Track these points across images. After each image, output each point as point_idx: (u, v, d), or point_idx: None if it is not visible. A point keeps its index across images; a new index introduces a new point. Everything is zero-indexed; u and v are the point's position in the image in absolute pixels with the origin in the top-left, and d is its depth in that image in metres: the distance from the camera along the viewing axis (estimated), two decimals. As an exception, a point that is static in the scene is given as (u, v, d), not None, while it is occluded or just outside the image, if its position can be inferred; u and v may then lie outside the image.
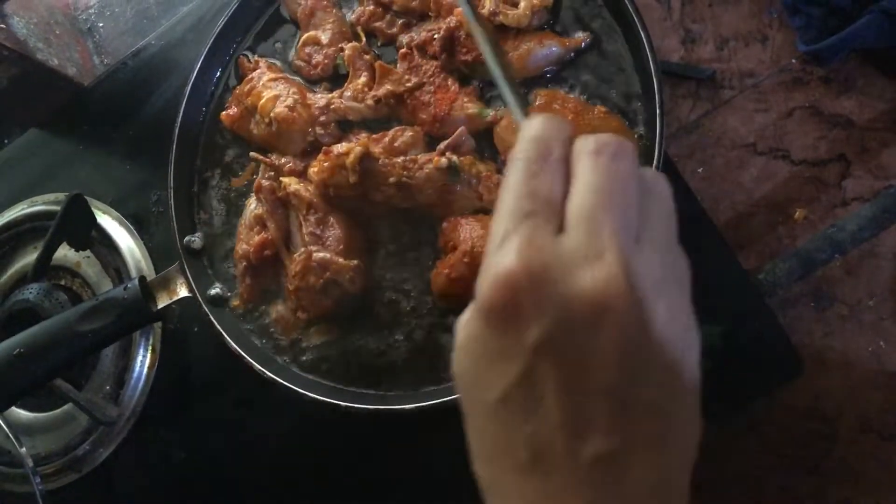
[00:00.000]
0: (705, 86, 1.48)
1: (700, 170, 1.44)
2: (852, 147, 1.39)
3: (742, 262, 1.36)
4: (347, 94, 1.27)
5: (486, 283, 0.52)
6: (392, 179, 1.16)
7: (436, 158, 1.15)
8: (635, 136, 1.14)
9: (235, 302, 1.30)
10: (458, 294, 1.14)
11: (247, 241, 1.28)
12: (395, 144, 1.23)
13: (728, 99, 1.46)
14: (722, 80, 1.48)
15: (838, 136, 1.40)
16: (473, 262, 1.11)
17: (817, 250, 1.20)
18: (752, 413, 1.36)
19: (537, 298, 0.50)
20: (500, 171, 1.18)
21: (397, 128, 1.25)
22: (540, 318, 0.50)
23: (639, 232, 0.54)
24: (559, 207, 0.54)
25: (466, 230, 1.14)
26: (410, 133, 1.24)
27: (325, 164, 1.18)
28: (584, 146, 0.56)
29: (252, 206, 1.31)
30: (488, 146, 1.22)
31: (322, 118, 1.27)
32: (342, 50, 1.31)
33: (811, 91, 1.43)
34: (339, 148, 1.18)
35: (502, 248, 0.53)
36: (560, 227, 0.53)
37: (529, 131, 0.58)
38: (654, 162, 1.09)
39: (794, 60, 1.44)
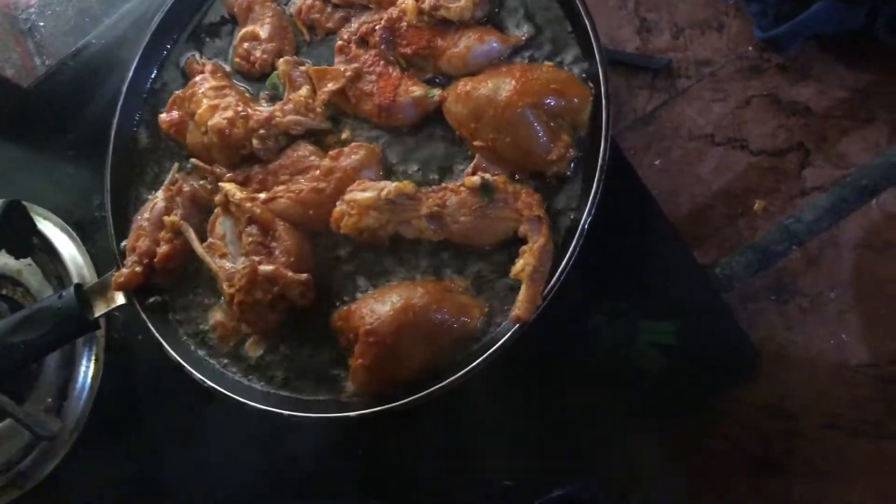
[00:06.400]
0: (662, 76, 1.44)
1: (657, 162, 1.41)
2: (811, 135, 1.36)
3: (701, 257, 1.32)
4: (289, 107, 1.23)
5: None
6: (424, 211, 1.10)
7: (467, 178, 1.10)
8: (589, 88, 1.10)
9: (120, 279, 1.24)
10: (384, 378, 1.09)
11: (152, 239, 1.24)
12: (348, 162, 1.18)
13: (685, 89, 1.43)
14: (678, 69, 1.44)
15: (797, 124, 1.36)
16: (379, 339, 1.06)
17: (774, 242, 1.17)
18: (715, 412, 1.33)
19: None
20: (537, 189, 1.11)
21: (353, 144, 1.20)
22: None
23: None
24: None
25: (357, 314, 1.10)
26: (364, 151, 1.19)
27: (353, 213, 1.12)
28: None
29: (159, 201, 1.27)
30: (442, 127, 1.18)
31: (262, 132, 1.22)
32: (280, 53, 1.28)
33: (769, 79, 1.39)
34: (362, 195, 1.12)
35: None
36: None
37: None
38: (600, 154, 1.05)
39: (750, 48, 1.41)
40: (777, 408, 1.31)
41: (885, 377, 1.26)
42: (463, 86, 1.12)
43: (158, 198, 1.27)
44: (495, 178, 1.10)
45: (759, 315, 1.32)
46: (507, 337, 1.04)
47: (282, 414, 1.13)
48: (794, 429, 1.30)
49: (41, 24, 1.70)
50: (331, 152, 1.20)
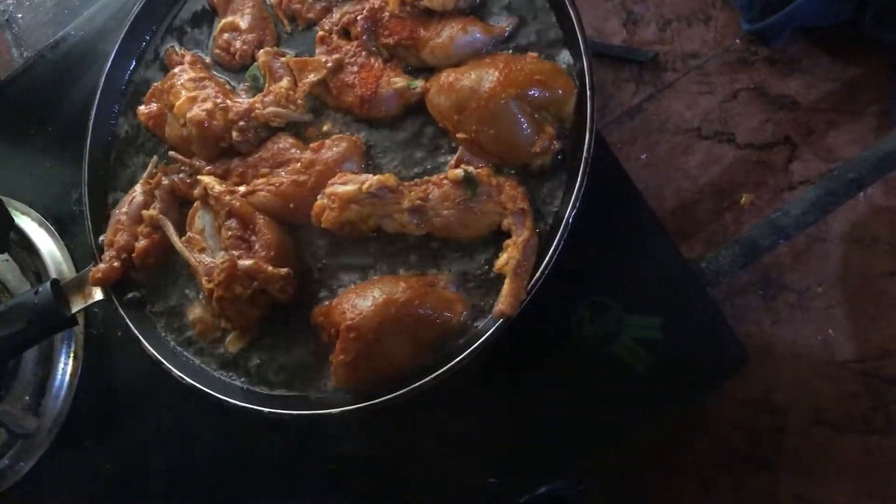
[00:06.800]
0: (648, 69, 1.43)
1: (643, 156, 1.39)
2: (799, 129, 1.35)
3: (688, 251, 1.32)
4: (269, 98, 1.20)
5: None
6: (406, 204, 1.08)
7: (450, 171, 1.08)
8: (573, 80, 1.08)
9: (97, 275, 1.21)
10: (365, 375, 1.07)
11: (130, 233, 1.22)
12: (330, 154, 1.16)
13: (671, 82, 1.42)
14: (665, 62, 1.43)
15: (784, 117, 1.36)
16: (361, 335, 1.04)
17: (761, 236, 1.15)
18: (701, 408, 1.32)
19: None
20: (521, 182, 1.08)
21: (334, 137, 1.18)
22: None
23: None
24: None
25: (338, 310, 1.07)
26: (345, 144, 1.17)
27: (335, 206, 1.10)
28: None
29: (137, 195, 1.24)
30: (425, 119, 1.15)
31: (241, 124, 1.19)
32: (261, 44, 1.25)
33: (756, 72, 1.38)
34: (343, 188, 1.10)
35: None
36: None
37: None
38: (585, 146, 1.03)
39: (737, 40, 1.40)
40: (764, 403, 1.30)
41: (871, 372, 1.26)
42: (446, 77, 1.10)
43: (137, 191, 1.25)
44: (479, 170, 1.08)
45: (746, 310, 1.31)
46: (490, 332, 1.02)
47: (262, 411, 1.11)
48: (781, 425, 1.30)
49: (19, 15, 1.68)
50: (312, 145, 1.18)
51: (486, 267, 1.08)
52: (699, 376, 1.16)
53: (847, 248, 1.29)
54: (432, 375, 1.03)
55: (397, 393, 1.03)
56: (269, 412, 1.11)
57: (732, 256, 1.17)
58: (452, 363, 1.02)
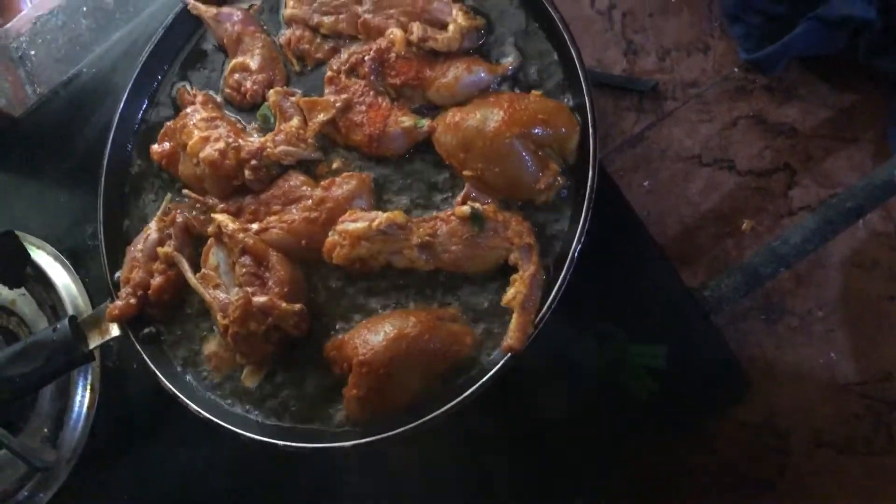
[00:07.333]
0: (649, 97, 1.46)
1: (646, 183, 1.42)
2: (797, 155, 1.37)
3: (690, 278, 1.34)
4: (280, 137, 1.23)
5: None
6: (415, 240, 1.11)
7: (457, 208, 1.11)
8: (576, 118, 1.11)
9: (114, 312, 1.24)
10: (377, 408, 1.09)
11: (145, 270, 1.25)
12: (340, 192, 1.19)
13: (672, 110, 1.44)
14: (665, 91, 1.45)
15: (783, 144, 1.38)
16: (373, 370, 1.06)
17: (762, 265, 1.18)
18: (706, 431, 1.34)
19: None
20: (526, 217, 1.12)
21: (344, 174, 1.21)
22: None
23: None
24: None
25: (350, 345, 1.10)
26: (355, 181, 1.20)
27: (345, 243, 1.13)
28: None
29: (152, 232, 1.27)
30: (432, 156, 1.18)
31: (253, 162, 1.22)
32: (271, 84, 1.28)
33: (754, 100, 1.41)
34: (354, 225, 1.13)
35: None
36: None
37: None
38: (588, 182, 1.06)
39: (736, 69, 1.42)
40: (767, 426, 1.32)
41: (873, 395, 1.28)
42: (452, 116, 1.13)
43: (151, 229, 1.28)
44: (485, 206, 1.11)
45: (749, 335, 1.33)
46: (498, 367, 1.05)
47: (276, 444, 1.13)
48: (784, 447, 1.31)
49: (32, 52, 1.71)
50: (322, 182, 1.21)
51: (495, 300, 1.11)
52: (704, 403, 1.19)
53: (847, 272, 1.31)
54: (442, 409, 1.05)
55: (407, 426, 1.06)
56: (285, 445, 1.13)
57: (734, 284, 1.19)
58: (462, 397, 1.05)
